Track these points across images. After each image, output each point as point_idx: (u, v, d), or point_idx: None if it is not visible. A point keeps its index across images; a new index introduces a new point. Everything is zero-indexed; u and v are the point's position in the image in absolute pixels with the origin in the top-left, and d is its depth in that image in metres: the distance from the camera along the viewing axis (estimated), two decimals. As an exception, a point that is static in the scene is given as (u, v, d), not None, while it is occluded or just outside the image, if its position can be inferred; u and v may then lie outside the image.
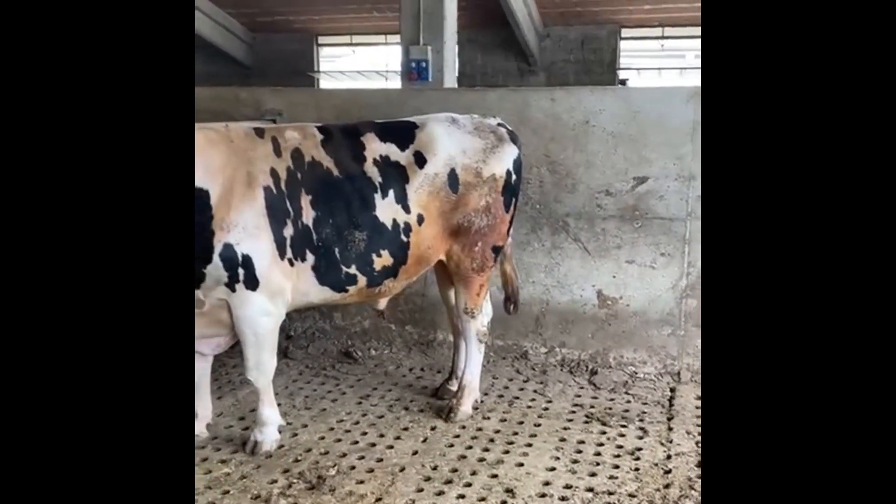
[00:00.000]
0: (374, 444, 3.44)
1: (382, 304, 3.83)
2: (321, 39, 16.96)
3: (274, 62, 16.42)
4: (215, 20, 15.79)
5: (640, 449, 3.40)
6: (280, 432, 3.43)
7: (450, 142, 3.48)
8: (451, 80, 8.04)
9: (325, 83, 16.89)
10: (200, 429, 3.46)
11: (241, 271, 3.06)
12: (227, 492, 3.00)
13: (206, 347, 3.37)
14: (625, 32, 14.67)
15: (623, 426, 3.64)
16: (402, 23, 7.77)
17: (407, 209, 3.39)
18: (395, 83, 15.14)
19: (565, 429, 3.61)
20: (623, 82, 14.04)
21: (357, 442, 3.47)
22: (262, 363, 3.28)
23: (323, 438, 3.50)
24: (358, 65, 16.89)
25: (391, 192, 3.36)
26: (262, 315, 3.17)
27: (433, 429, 3.61)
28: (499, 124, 3.67)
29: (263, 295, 3.13)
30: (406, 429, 3.61)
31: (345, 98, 5.00)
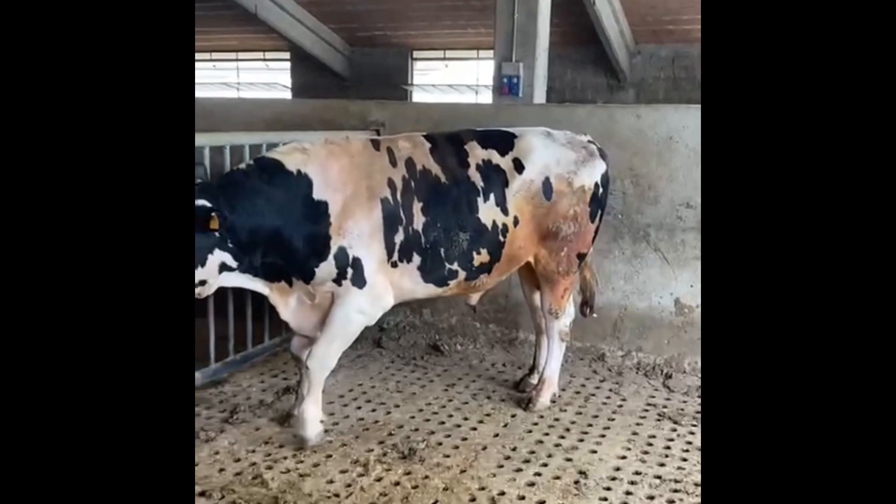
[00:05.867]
0: (458, 426, 3.78)
1: (474, 299, 4.17)
2: (416, 54, 17.59)
3: (370, 74, 17.19)
4: (317, 34, 16.69)
5: (708, 446, 3.60)
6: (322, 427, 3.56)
7: (546, 152, 3.75)
8: (540, 95, 8.34)
9: (417, 96, 17.49)
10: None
11: (349, 270, 3.36)
12: (330, 456, 3.41)
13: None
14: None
15: (694, 425, 3.84)
16: (496, 40, 8.13)
17: (505, 211, 3.65)
18: (486, 97, 15.54)
19: (638, 424, 3.85)
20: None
21: (444, 423, 3.82)
22: (329, 355, 3.47)
23: (413, 417, 3.87)
24: (450, 78, 17.41)
25: (492, 196, 3.62)
26: (357, 312, 3.44)
27: (513, 416, 3.92)
28: (589, 141, 3.95)
29: (365, 296, 3.42)
30: (488, 414, 3.93)
31: (442, 111, 5.41)
